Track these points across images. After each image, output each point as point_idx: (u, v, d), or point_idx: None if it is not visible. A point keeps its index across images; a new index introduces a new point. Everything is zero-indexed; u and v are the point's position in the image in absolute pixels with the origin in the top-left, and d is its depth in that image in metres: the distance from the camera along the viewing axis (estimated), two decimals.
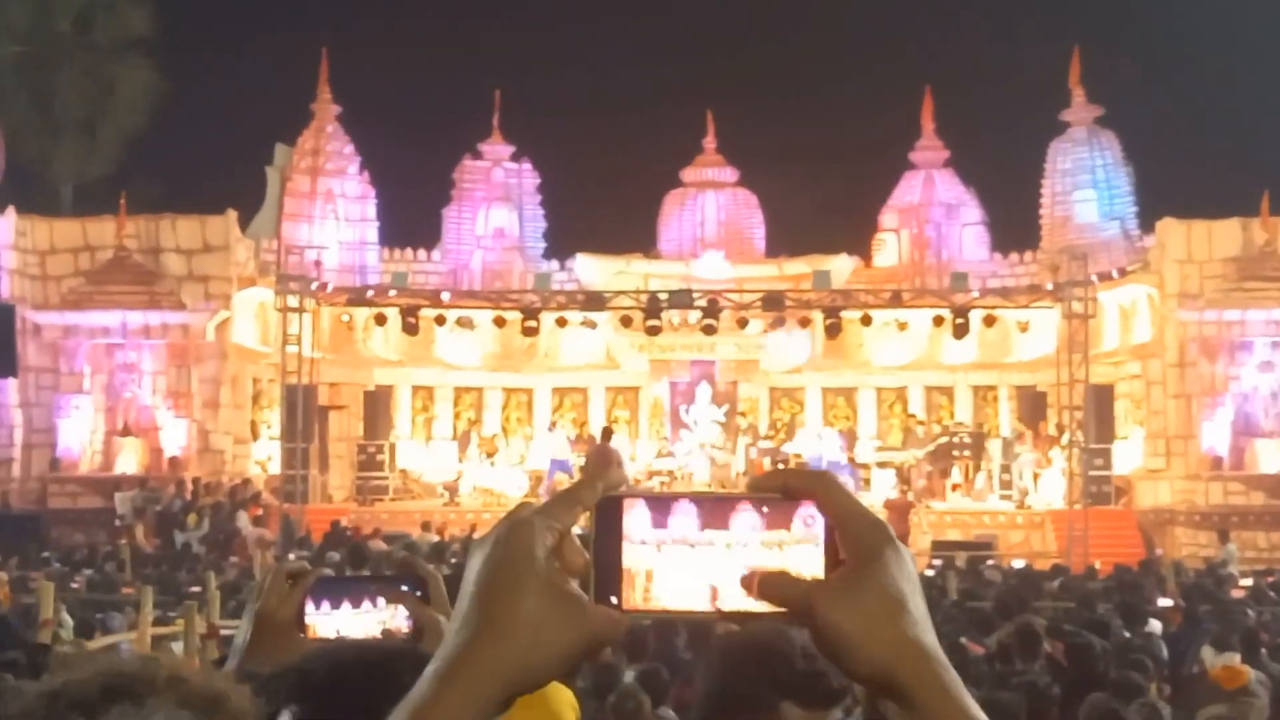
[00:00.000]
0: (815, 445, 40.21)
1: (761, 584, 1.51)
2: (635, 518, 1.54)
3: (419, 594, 2.94)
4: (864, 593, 1.50)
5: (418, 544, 17.94)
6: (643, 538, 1.53)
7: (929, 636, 1.52)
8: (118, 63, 50.37)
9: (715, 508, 1.54)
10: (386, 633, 2.87)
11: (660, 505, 1.53)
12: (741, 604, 1.52)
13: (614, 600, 1.53)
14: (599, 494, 1.55)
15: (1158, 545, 35.42)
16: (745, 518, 1.53)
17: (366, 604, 2.91)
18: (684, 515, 1.54)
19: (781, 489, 1.55)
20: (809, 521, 1.53)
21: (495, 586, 1.52)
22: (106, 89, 50.60)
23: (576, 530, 1.60)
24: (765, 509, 1.52)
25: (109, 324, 37.90)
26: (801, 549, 1.52)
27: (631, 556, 1.53)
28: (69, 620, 15.26)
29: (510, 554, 1.53)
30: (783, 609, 1.51)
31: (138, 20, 49.95)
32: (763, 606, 1.52)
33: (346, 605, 2.93)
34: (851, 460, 40.50)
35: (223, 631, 14.80)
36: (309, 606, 2.93)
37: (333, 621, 2.93)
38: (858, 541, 1.53)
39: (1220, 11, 57.68)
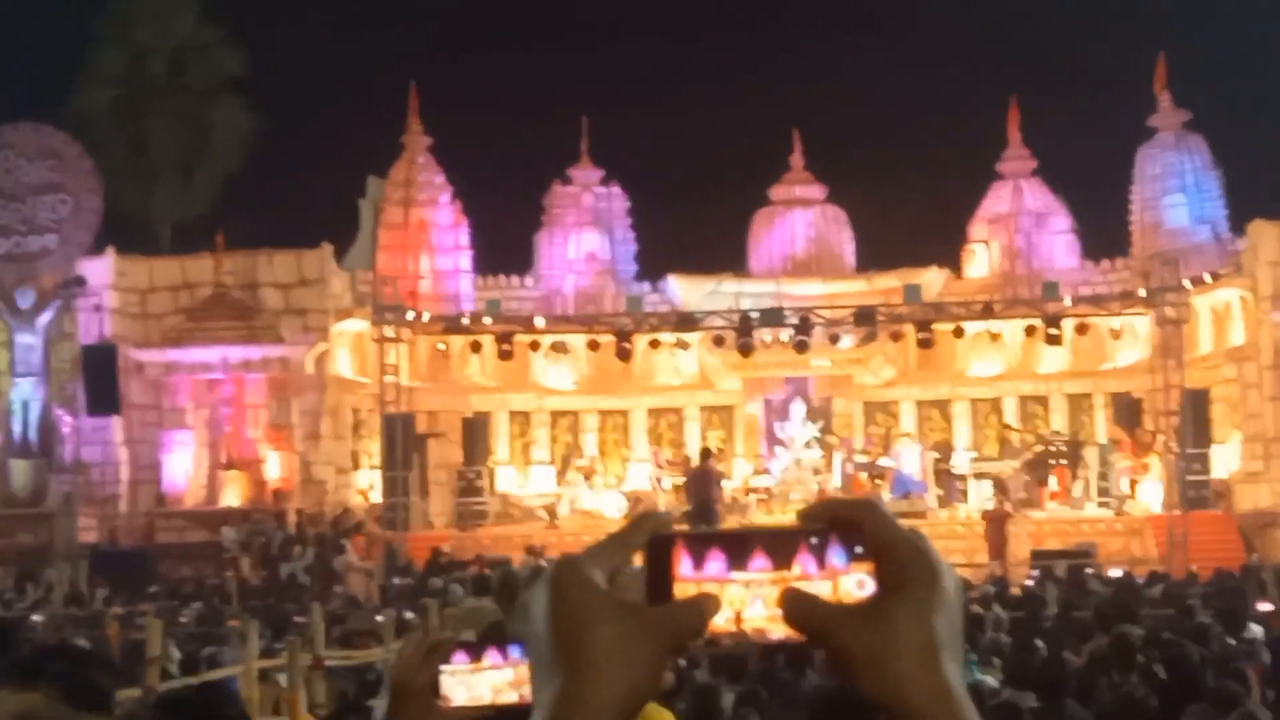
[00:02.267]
0: (909, 459, 40.17)
1: (785, 604, 1.51)
2: (694, 562, 1.52)
3: None
4: (890, 622, 1.49)
5: (515, 573, 18.09)
6: (690, 576, 1.51)
7: (952, 672, 1.50)
8: (212, 104, 50.98)
9: (776, 544, 1.53)
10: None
11: (725, 546, 1.53)
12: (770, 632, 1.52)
13: None
14: (647, 535, 1.55)
15: (1257, 549, 35.16)
16: (761, 561, 1.53)
17: (492, 656, 2.90)
18: (718, 557, 1.52)
19: (828, 519, 1.54)
20: (811, 561, 1.52)
21: (565, 626, 1.51)
22: (201, 131, 51.22)
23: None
24: (813, 539, 1.52)
25: (209, 360, 38.42)
26: (767, 587, 1.50)
27: (683, 593, 1.51)
28: (176, 654, 15.51)
29: (567, 590, 1.52)
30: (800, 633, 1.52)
31: (231, 62, 50.57)
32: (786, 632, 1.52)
33: (466, 659, 2.86)
34: (947, 470, 40.46)
35: (328, 663, 15.03)
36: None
37: (456, 681, 2.96)
38: (896, 570, 1.52)
39: None
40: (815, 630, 1.51)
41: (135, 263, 39.77)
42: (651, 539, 1.54)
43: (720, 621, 1.51)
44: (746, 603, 1.51)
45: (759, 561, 1.51)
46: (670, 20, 63.68)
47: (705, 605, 1.51)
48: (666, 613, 1.51)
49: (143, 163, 50.46)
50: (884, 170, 52.72)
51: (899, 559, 1.53)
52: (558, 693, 1.50)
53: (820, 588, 1.51)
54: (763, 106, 54.43)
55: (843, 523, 1.54)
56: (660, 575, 1.52)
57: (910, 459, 40.24)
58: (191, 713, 4.32)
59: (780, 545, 1.52)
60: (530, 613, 1.56)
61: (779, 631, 1.51)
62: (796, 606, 1.51)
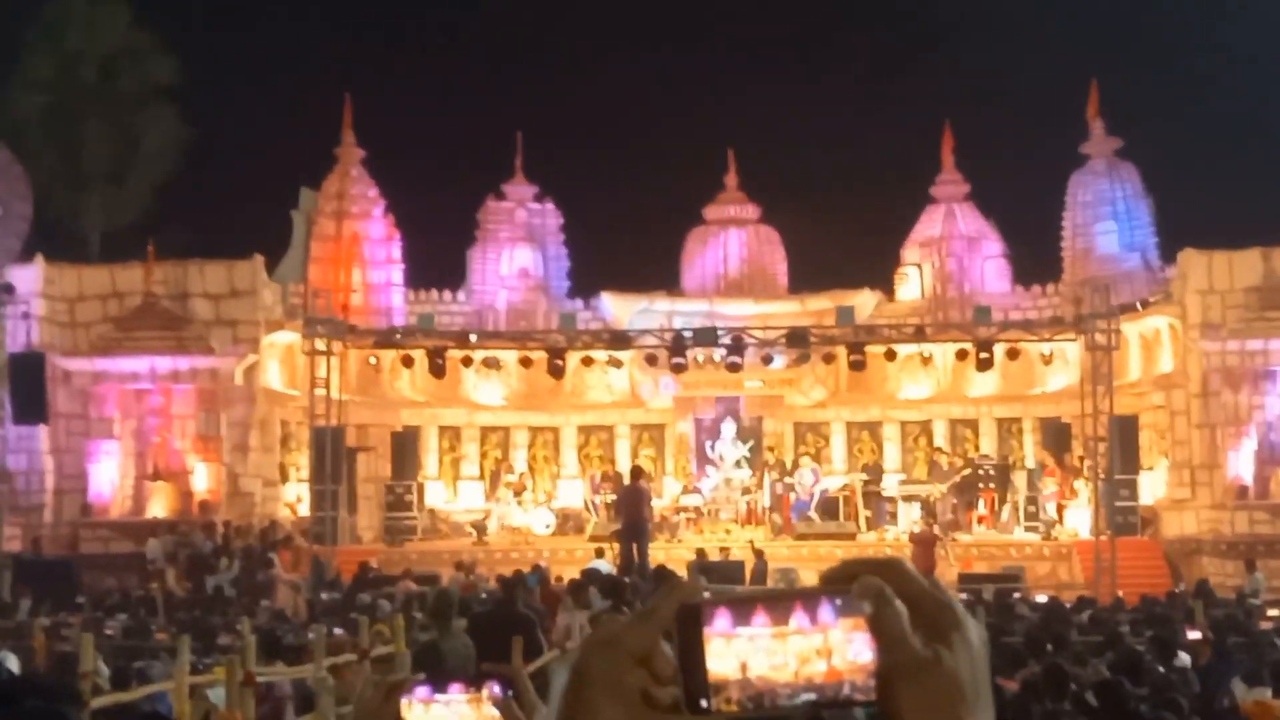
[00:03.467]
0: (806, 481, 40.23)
1: (882, 618, 1.51)
2: (717, 623, 1.53)
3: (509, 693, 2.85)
4: (926, 674, 1.50)
5: (450, 592, 18.01)
6: (712, 638, 1.52)
7: None
8: (143, 112, 50.73)
9: (776, 604, 1.54)
10: None
11: (739, 616, 1.53)
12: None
13: (704, 704, 1.52)
14: (675, 608, 1.54)
15: (1183, 576, 35.39)
16: (761, 618, 1.55)
17: (454, 689, 2.84)
18: (724, 615, 1.54)
19: (851, 579, 1.54)
20: (805, 618, 1.53)
21: (573, 716, 1.53)
22: (133, 138, 50.94)
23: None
24: (839, 601, 1.52)
25: (138, 369, 38.11)
26: (799, 639, 1.52)
27: (717, 660, 1.52)
28: (105, 670, 15.34)
29: (585, 681, 1.53)
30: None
31: (162, 69, 50.36)
32: (853, 694, 1.52)
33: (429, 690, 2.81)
34: (877, 493, 40.54)
35: (259, 679, 14.89)
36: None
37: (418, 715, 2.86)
38: (927, 623, 1.52)
39: (1238, 42, 57.77)
40: (892, 651, 1.50)
41: (64, 271, 39.42)
42: (680, 610, 1.54)
43: (727, 670, 1.51)
44: (751, 654, 1.51)
45: (760, 618, 1.52)
46: (607, 37, 63.75)
47: None
48: None
49: (73, 170, 50.14)
50: (818, 191, 52.92)
51: (927, 614, 1.53)
52: None
53: (813, 641, 1.52)
54: (698, 126, 54.57)
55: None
56: (690, 646, 1.52)
57: (806, 481, 40.25)
58: None
59: (779, 603, 1.53)
60: (553, 683, 1.56)
61: (782, 679, 1.51)
62: (891, 622, 1.51)
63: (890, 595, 1.53)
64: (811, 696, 1.52)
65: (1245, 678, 13.69)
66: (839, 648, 1.52)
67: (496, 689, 2.74)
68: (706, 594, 1.56)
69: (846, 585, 1.54)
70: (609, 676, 1.52)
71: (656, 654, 1.54)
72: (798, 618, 1.53)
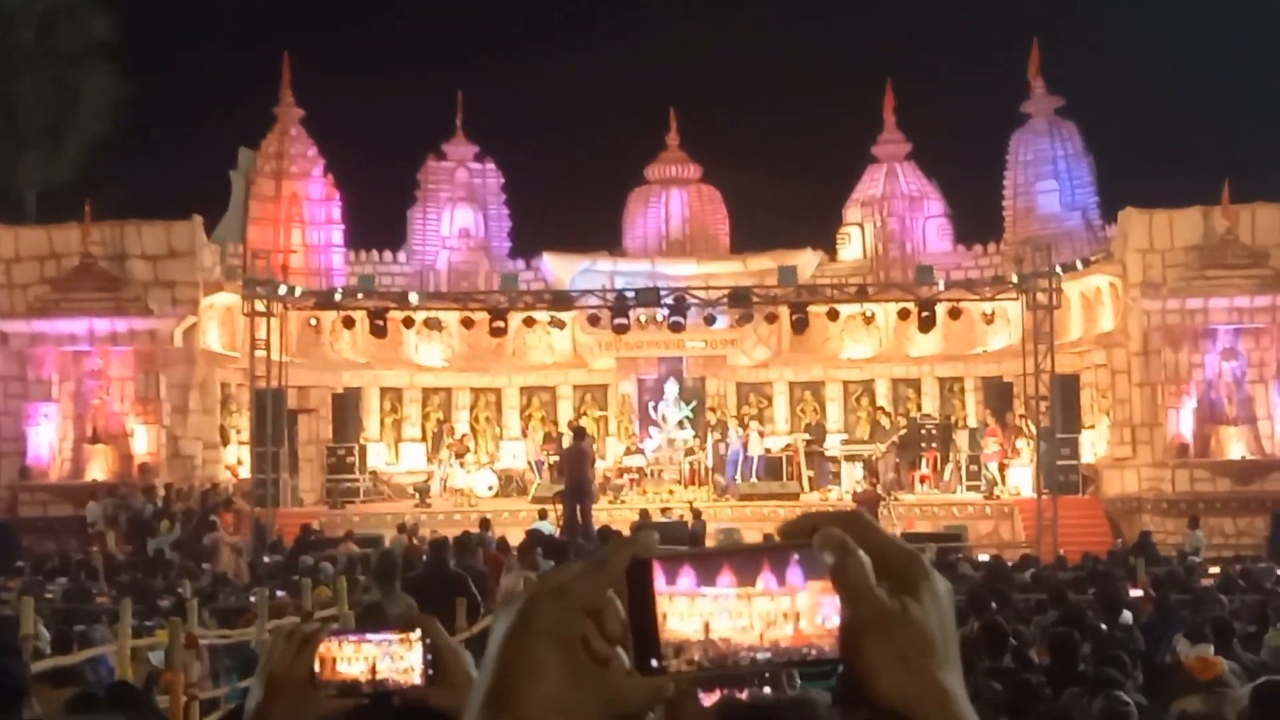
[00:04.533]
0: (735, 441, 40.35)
1: (843, 570, 1.46)
2: (667, 579, 1.50)
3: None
4: (894, 627, 1.46)
5: (393, 552, 17.94)
6: (675, 597, 1.49)
7: (954, 679, 1.49)
8: (80, 70, 50.23)
9: (743, 561, 1.49)
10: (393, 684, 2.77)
11: (704, 575, 1.49)
12: (784, 653, 1.48)
13: (654, 664, 1.49)
14: (626, 562, 1.51)
15: (1124, 534, 35.56)
16: (727, 577, 1.50)
17: (386, 633, 2.79)
18: (688, 574, 1.51)
19: (811, 532, 1.49)
20: (772, 579, 1.48)
21: (514, 665, 1.49)
22: (70, 96, 50.45)
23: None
24: (797, 556, 1.48)
25: (76, 331, 37.78)
26: (765, 601, 1.47)
27: (680, 620, 1.49)
28: (46, 634, 15.23)
29: (529, 631, 1.49)
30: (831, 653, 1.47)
31: (100, 26, 49.85)
32: (822, 656, 1.49)
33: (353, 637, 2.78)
34: (819, 452, 40.66)
35: (201, 641, 14.80)
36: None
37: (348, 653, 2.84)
38: (893, 576, 1.49)
39: (1180, 2, 57.99)
40: (856, 604, 1.46)
41: (1, 231, 39.05)
42: (632, 565, 1.50)
43: (689, 630, 1.48)
44: (714, 615, 1.48)
45: (726, 578, 1.48)
46: None
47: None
48: (623, 686, 1.49)
49: (9, 129, 49.63)
50: (759, 151, 52.93)
51: (892, 567, 1.50)
52: None
53: (781, 604, 1.47)
54: (639, 85, 54.47)
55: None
56: (640, 602, 1.49)
57: (733, 441, 40.35)
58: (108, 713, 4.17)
59: (746, 564, 1.49)
60: (493, 629, 1.53)
61: (747, 641, 1.47)
62: (855, 578, 1.47)
63: (852, 546, 1.49)
64: (768, 661, 1.49)
65: (1188, 634, 13.70)
66: (807, 611, 1.47)
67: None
68: (657, 549, 1.52)
69: (807, 539, 1.50)
70: (554, 626, 1.49)
71: (608, 609, 1.50)
72: (765, 579, 1.48)
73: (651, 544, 1.52)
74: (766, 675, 1.46)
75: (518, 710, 1.47)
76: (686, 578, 1.49)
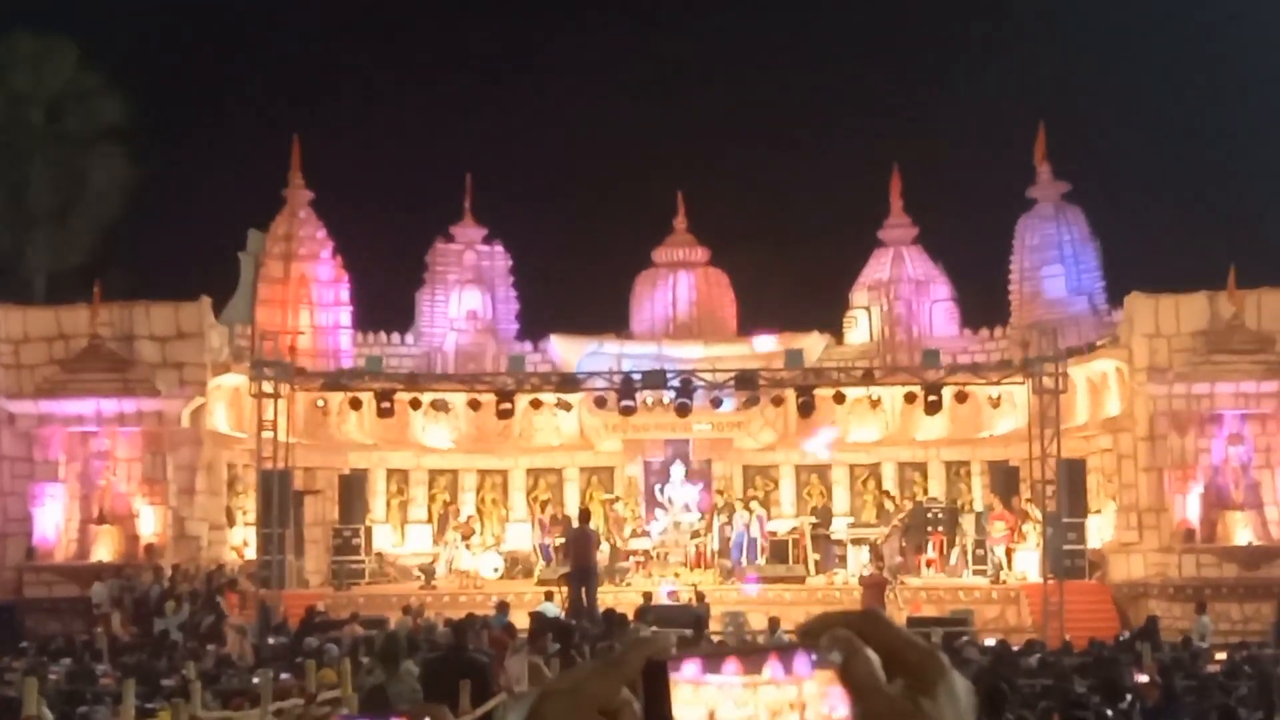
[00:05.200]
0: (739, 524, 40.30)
1: (856, 671, 1.46)
2: (700, 674, 1.48)
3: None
4: None
5: (398, 635, 17.93)
6: (679, 684, 1.46)
7: None
8: (90, 153, 50.52)
9: (754, 657, 1.48)
10: None
11: (710, 664, 1.48)
12: None
13: None
14: (641, 661, 1.48)
15: (1130, 619, 35.44)
16: (732, 665, 1.49)
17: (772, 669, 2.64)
18: (693, 663, 1.48)
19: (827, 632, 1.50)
20: (779, 668, 1.47)
21: None
22: (79, 179, 50.71)
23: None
24: (814, 656, 1.47)
25: (83, 411, 37.78)
26: (771, 690, 1.46)
27: (684, 708, 1.46)
28: (49, 715, 15.20)
29: None
30: None
31: (110, 110, 50.17)
32: None
33: None
34: (825, 536, 40.57)
35: None
36: None
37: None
38: (909, 673, 1.47)
39: (1184, 88, 58.30)
40: (865, 700, 1.45)
41: (9, 312, 39.15)
42: (648, 665, 1.48)
43: (694, 719, 1.45)
44: (719, 704, 1.45)
45: (730, 666, 1.46)
46: (555, 81, 63.88)
47: None
48: None
49: (19, 210, 49.85)
50: (767, 235, 53.10)
51: (909, 664, 1.48)
52: None
53: (786, 693, 1.46)
54: (647, 168, 54.64)
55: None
56: (656, 703, 1.46)
57: (740, 525, 40.31)
58: None
59: (751, 654, 1.47)
60: None
61: None
62: (864, 675, 1.45)
63: (859, 644, 1.47)
64: None
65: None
66: (813, 701, 1.46)
67: None
68: (675, 651, 1.49)
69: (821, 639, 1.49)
70: None
71: (624, 710, 1.48)
72: (771, 667, 1.47)
73: (668, 645, 1.49)
74: None
75: None
76: (692, 665, 1.47)
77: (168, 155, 53.78)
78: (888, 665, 1.47)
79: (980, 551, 39.57)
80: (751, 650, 1.49)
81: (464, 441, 43.67)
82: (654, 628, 25.73)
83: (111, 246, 50.93)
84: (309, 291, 43.70)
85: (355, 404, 39.81)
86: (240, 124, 56.19)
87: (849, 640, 1.48)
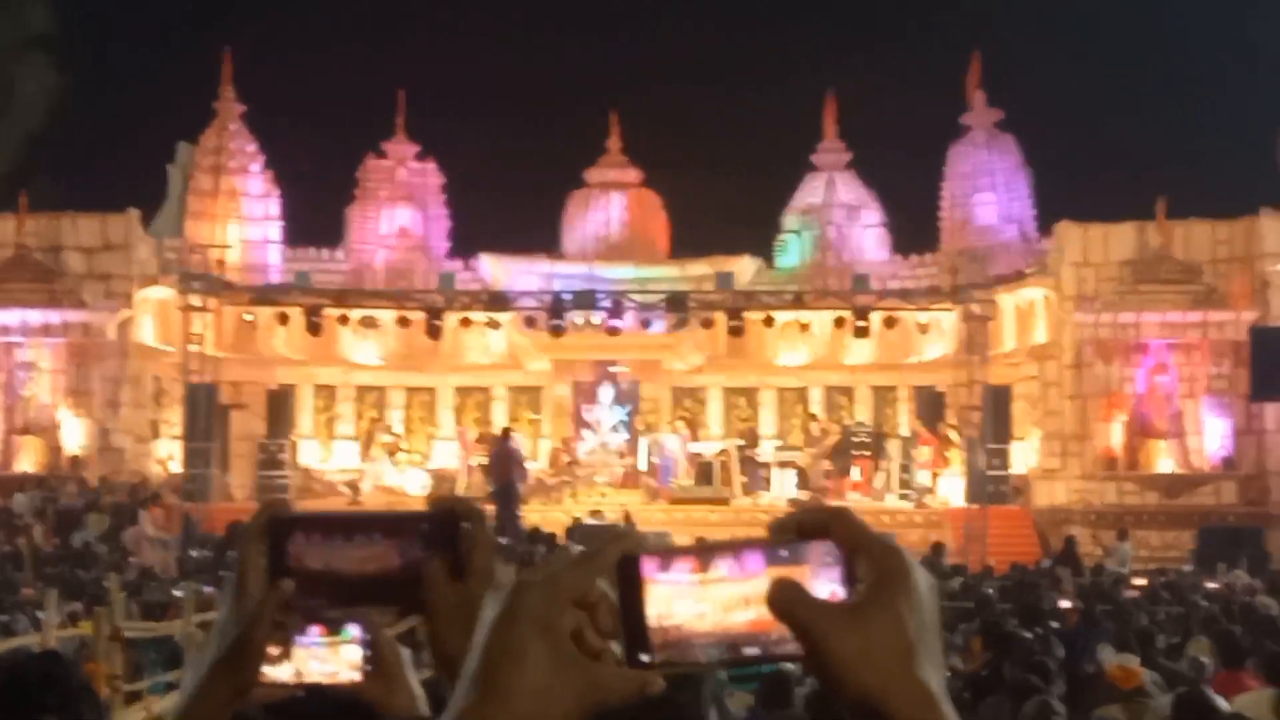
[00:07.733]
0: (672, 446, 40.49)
1: (773, 595, 1.47)
2: (654, 572, 1.51)
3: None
4: (873, 623, 1.46)
5: None
6: (662, 591, 1.50)
7: (934, 677, 1.48)
8: (16, 61, 49.89)
9: (732, 553, 1.51)
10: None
11: (680, 558, 1.51)
12: (754, 649, 1.49)
13: (644, 658, 1.50)
14: (616, 556, 1.52)
15: (1052, 545, 35.73)
16: (684, 563, 1.51)
17: (312, 631, 2.41)
18: (651, 562, 1.52)
19: (796, 528, 1.52)
20: (729, 563, 1.49)
21: (499, 650, 1.51)
22: (5, 87, 50.11)
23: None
24: (783, 552, 1.49)
25: (8, 322, 37.45)
26: (723, 587, 1.48)
27: (657, 611, 1.50)
28: None
29: (516, 617, 1.51)
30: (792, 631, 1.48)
31: (37, 18, 49.56)
32: (783, 647, 1.49)
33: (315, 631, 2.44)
34: (752, 458, 40.69)
35: (125, 634, 14.70)
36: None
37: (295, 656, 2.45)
38: (874, 570, 1.49)
39: (1119, 17, 58.38)
40: (799, 626, 1.47)
41: None
42: (621, 560, 1.52)
43: (650, 616, 1.50)
44: (673, 600, 1.50)
45: (682, 564, 1.50)
46: None
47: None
48: (602, 676, 1.51)
49: None
50: (700, 157, 53.01)
51: (872, 560, 1.50)
52: (465, 709, 1.52)
53: (740, 588, 1.49)
54: (581, 88, 54.40)
55: (810, 531, 1.52)
56: (630, 596, 1.51)
57: (671, 446, 40.47)
58: (34, 684, 4.08)
59: (707, 551, 1.51)
60: (481, 615, 1.55)
61: (701, 627, 1.49)
62: (785, 599, 1.48)
63: (847, 509, 1.54)
64: (725, 652, 1.50)
65: (1113, 643, 13.81)
66: (815, 586, 1.49)
67: (356, 630, 2.57)
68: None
69: (792, 534, 1.52)
70: (542, 615, 1.51)
71: (601, 603, 1.53)
72: (724, 564, 1.50)
73: (642, 541, 1.54)
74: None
75: (501, 695, 1.50)
76: (647, 565, 1.51)
77: (97, 65, 53.25)
78: (855, 559, 1.50)
79: (905, 476, 39.77)
80: (707, 549, 1.52)
81: (392, 359, 43.54)
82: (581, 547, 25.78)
83: (38, 156, 50.45)
84: (238, 205, 43.37)
85: (283, 319, 39.64)
86: (171, 35, 55.58)
87: (833, 511, 1.53)
